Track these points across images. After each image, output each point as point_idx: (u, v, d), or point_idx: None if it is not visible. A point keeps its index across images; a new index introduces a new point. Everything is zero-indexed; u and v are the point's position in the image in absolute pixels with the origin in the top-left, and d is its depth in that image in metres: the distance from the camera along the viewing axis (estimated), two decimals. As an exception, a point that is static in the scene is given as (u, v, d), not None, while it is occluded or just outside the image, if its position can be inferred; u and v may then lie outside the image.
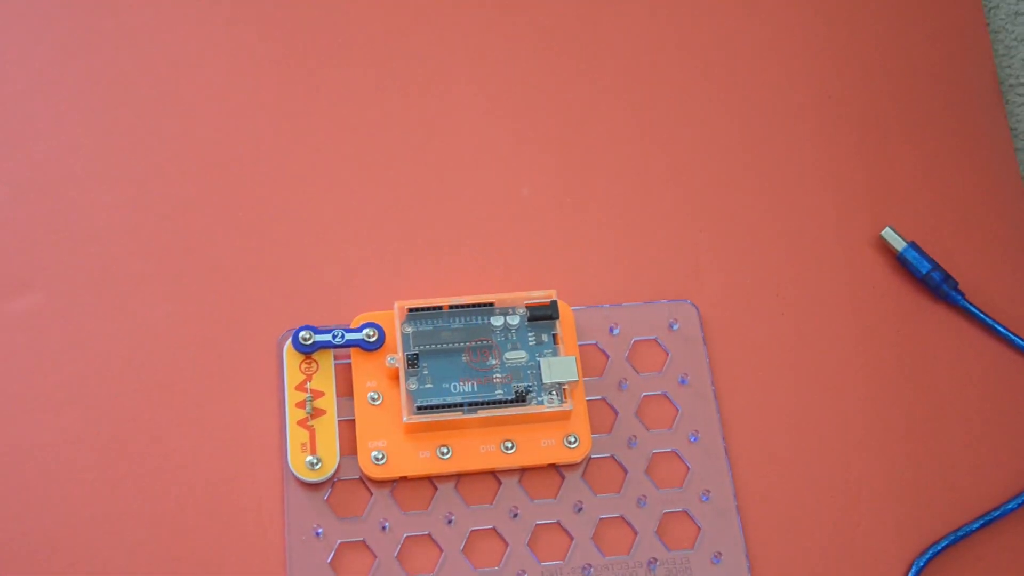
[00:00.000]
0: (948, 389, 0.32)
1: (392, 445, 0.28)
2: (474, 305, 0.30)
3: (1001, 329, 0.31)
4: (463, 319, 0.29)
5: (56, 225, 0.31)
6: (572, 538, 0.29)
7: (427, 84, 0.34)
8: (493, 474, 0.29)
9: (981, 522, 0.29)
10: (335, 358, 0.30)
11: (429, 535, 0.28)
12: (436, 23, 0.35)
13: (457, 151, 0.33)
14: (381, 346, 0.29)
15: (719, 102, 0.34)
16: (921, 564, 0.29)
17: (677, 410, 0.30)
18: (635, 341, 0.31)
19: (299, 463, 0.28)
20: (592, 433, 0.30)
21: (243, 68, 0.34)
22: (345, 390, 0.29)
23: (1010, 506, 0.30)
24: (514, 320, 0.29)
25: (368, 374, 0.29)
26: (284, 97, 0.33)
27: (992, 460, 0.31)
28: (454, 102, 0.34)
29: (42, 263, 0.31)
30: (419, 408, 0.28)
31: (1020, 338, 0.32)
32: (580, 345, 0.31)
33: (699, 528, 0.29)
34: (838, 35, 0.36)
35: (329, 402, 0.29)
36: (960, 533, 0.29)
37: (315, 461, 0.28)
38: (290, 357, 0.29)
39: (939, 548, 0.29)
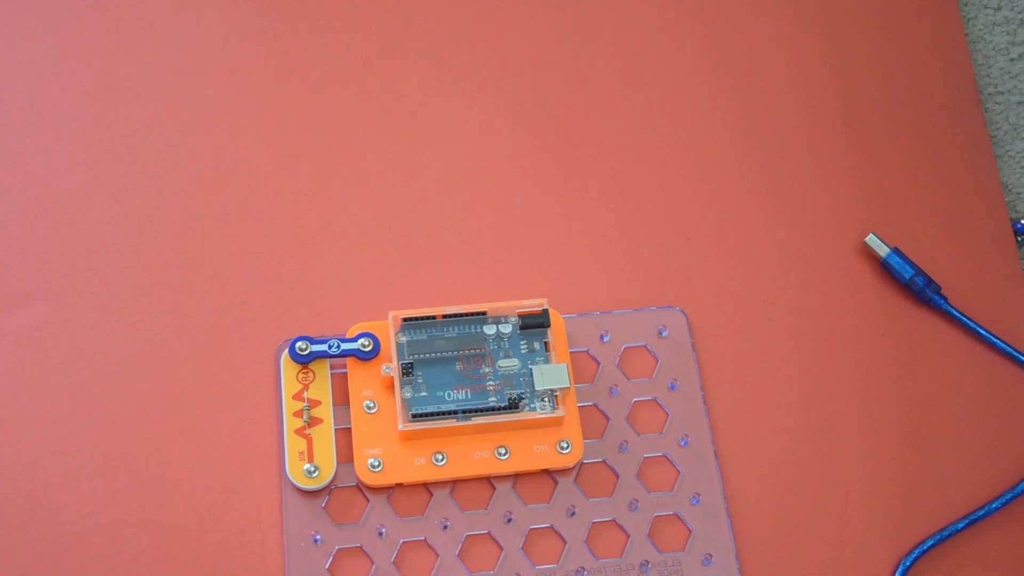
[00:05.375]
0: (932, 392, 0.32)
1: (388, 452, 0.29)
2: (467, 314, 0.30)
3: (983, 332, 0.32)
4: (456, 328, 0.30)
5: (58, 238, 0.31)
6: (565, 542, 0.29)
7: (419, 99, 0.34)
8: (487, 480, 0.30)
9: (966, 521, 0.30)
10: (331, 367, 0.30)
11: (425, 540, 0.29)
12: (430, 41, 0.35)
13: (449, 163, 0.33)
14: (376, 355, 0.29)
15: (707, 114, 0.35)
16: (908, 564, 0.29)
17: (667, 415, 0.31)
18: (625, 348, 0.31)
19: (297, 471, 0.28)
20: (584, 439, 0.30)
21: (240, 86, 0.34)
22: (341, 399, 0.30)
23: (994, 505, 0.30)
24: (506, 328, 0.30)
25: (364, 383, 0.29)
26: (281, 114, 0.34)
27: (976, 460, 0.31)
28: (446, 115, 0.34)
29: (44, 275, 0.31)
30: (414, 416, 0.28)
31: (1002, 341, 0.32)
32: (571, 352, 0.31)
33: (690, 530, 0.29)
34: (823, 49, 0.36)
35: (326, 411, 0.29)
36: (946, 532, 0.30)
37: (312, 469, 0.28)
38: (287, 367, 0.30)
39: (925, 548, 0.29)
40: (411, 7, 0.35)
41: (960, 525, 0.30)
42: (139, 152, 0.33)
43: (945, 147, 0.35)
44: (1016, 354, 0.32)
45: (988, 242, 0.34)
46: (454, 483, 0.29)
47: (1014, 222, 0.34)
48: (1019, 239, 0.34)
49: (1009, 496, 0.30)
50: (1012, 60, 0.37)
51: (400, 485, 0.29)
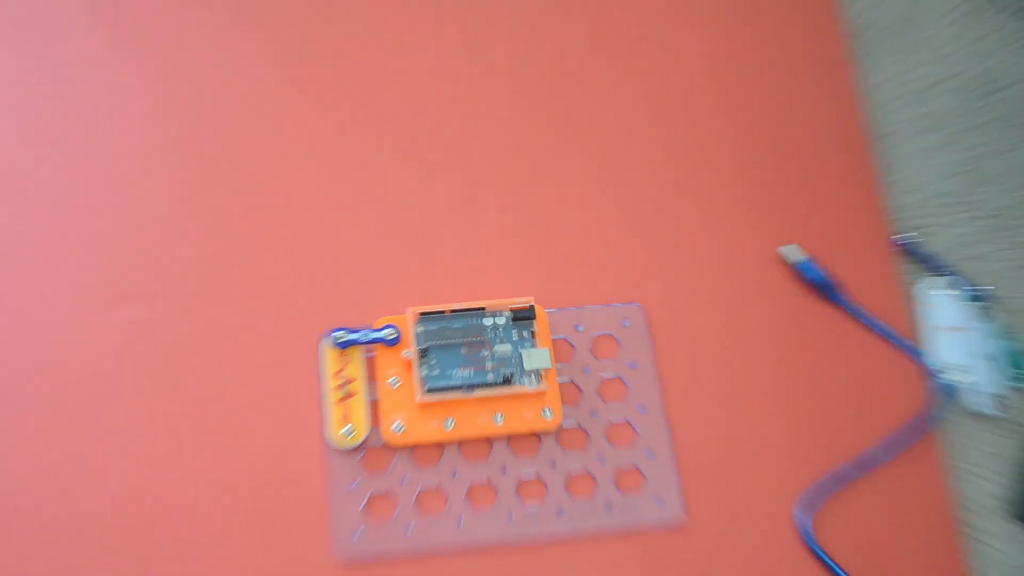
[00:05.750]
0: (832, 365, 0.33)
1: (408, 419, 0.30)
2: (470, 309, 0.31)
3: (871, 320, 0.33)
4: (462, 320, 0.30)
5: (150, 251, 0.32)
6: (548, 487, 0.30)
7: (436, 138, 0.35)
8: (487, 440, 0.31)
9: (854, 464, 0.31)
10: (363, 352, 0.31)
11: (438, 486, 0.30)
12: (440, 83, 0.35)
13: (455, 192, 0.34)
14: (398, 342, 0.30)
15: (661, 154, 0.35)
16: (809, 496, 0.31)
17: (628, 388, 0.32)
18: (596, 335, 0.32)
19: (337, 433, 0.30)
20: (563, 406, 0.31)
21: (289, 122, 0.34)
22: (372, 376, 0.30)
23: (875, 452, 0.32)
24: (501, 320, 0.31)
25: (389, 364, 0.30)
26: (330, 150, 0.34)
27: (861, 417, 0.32)
28: (454, 158, 0.34)
29: (140, 280, 0.32)
30: (428, 390, 0.29)
31: (884, 326, 0.33)
32: (553, 339, 0.32)
33: (645, 478, 0.31)
34: (750, 101, 0.36)
35: (359, 386, 0.30)
36: (839, 473, 0.31)
37: (349, 431, 0.30)
38: (328, 352, 0.31)
39: (823, 485, 0.31)
40: (429, 54, 0.35)
41: (850, 468, 0.31)
42: (212, 180, 0.33)
43: (846, 177, 0.36)
44: (894, 337, 0.33)
45: (878, 252, 0.35)
46: (460, 442, 0.30)
47: (896, 236, 0.35)
48: (899, 249, 0.35)
49: (887, 444, 0.32)
50: (898, 107, 0.38)
51: (419, 444, 0.30)
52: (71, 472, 0.30)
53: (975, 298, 0.35)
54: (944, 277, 0.35)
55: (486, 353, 0.30)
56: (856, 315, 0.34)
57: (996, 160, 0.37)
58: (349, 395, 0.30)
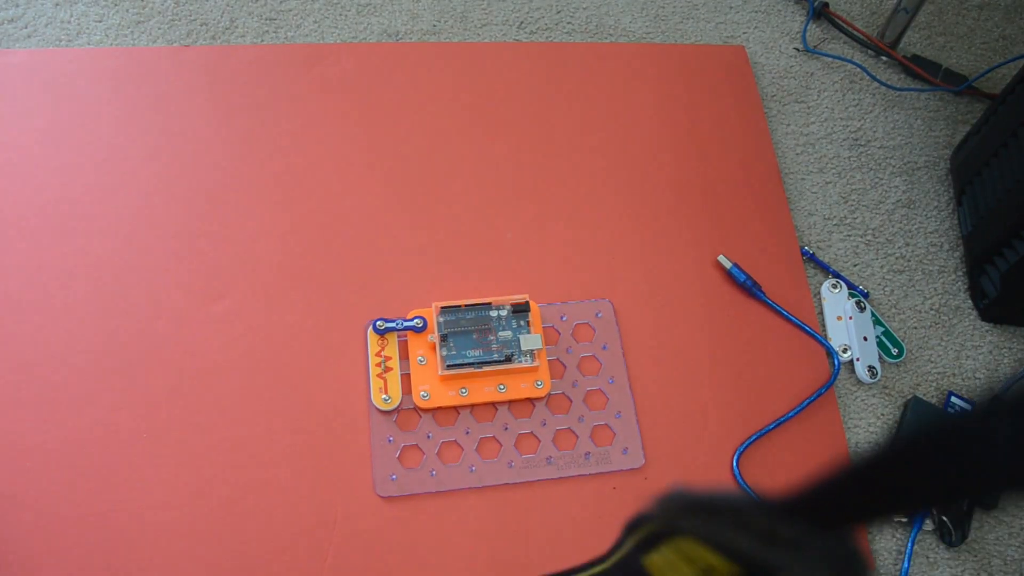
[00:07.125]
0: (755, 345, 0.34)
1: (432, 388, 0.30)
2: (480, 304, 0.31)
3: (785, 312, 0.35)
4: (474, 312, 0.31)
5: (241, 260, 0.33)
6: (540, 441, 0.31)
7: (454, 180, 0.36)
8: (493, 404, 0.31)
9: (775, 424, 0.33)
10: (398, 336, 0.31)
11: (455, 441, 0.30)
12: (458, 141, 0.36)
13: (469, 217, 0.35)
14: (425, 329, 0.31)
15: (627, 190, 0.36)
16: (742, 448, 0.32)
17: (601, 364, 0.33)
18: (576, 324, 0.33)
19: (378, 399, 0.30)
20: (551, 379, 0.32)
21: (347, 169, 0.35)
22: (404, 355, 0.31)
23: (791, 414, 0.33)
24: (503, 312, 0.31)
25: (418, 346, 0.31)
26: (372, 187, 0.35)
27: (777, 384, 0.33)
28: (471, 191, 0.36)
29: (230, 281, 0.33)
30: (448, 366, 0.30)
31: (793, 316, 0.35)
32: (544, 327, 0.33)
33: (615, 434, 0.31)
34: (690, 151, 0.38)
35: (395, 363, 0.31)
36: (764, 431, 0.32)
37: (387, 398, 0.30)
38: (372, 336, 0.31)
39: (751, 440, 0.32)
40: (450, 119, 0.37)
41: (772, 426, 0.32)
42: (286, 209, 0.34)
43: (762, 204, 0.37)
44: (801, 324, 0.35)
45: (786, 259, 0.36)
46: (472, 406, 0.31)
47: (801, 248, 0.37)
48: (803, 258, 0.37)
49: (798, 409, 0.33)
50: (798, 153, 0.39)
51: (440, 408, 0.30)
52: (180, 418, 0.30)
53: (856, 296, 0.36)
54: (835, 279, 0.36)
55: (492, 338, 0.31)
56: (773, 308, 0.35)
57: (867, 194, 0.38)
58: (387, 370, 0.31)
